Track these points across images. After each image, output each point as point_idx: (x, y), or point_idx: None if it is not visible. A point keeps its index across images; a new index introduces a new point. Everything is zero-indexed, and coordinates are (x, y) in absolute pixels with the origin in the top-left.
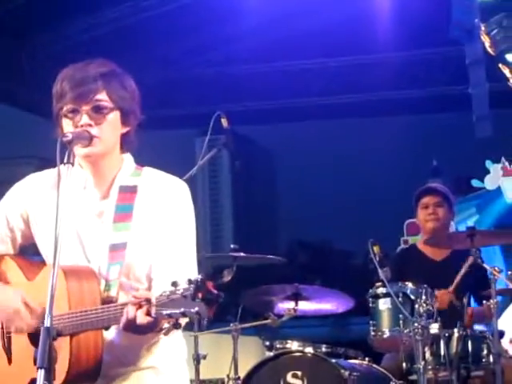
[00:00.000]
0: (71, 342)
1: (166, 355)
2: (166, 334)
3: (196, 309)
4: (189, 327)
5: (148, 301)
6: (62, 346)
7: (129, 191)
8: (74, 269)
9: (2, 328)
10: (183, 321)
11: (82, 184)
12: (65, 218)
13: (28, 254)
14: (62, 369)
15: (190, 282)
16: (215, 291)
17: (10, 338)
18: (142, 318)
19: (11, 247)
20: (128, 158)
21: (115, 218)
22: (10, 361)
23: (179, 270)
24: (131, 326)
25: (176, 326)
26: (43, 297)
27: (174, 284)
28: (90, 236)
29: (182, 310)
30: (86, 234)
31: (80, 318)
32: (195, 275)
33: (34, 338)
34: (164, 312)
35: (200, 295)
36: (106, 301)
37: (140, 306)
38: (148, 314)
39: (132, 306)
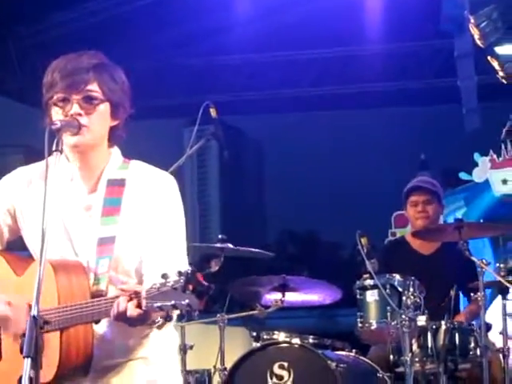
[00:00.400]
0: (61, 337)
1: (157, 346)
2: (159, 328)
3: (187, 301)
4: (179, 318)
5: (137, 293)
6: (52, 341)
7: (117, 185)
8: (63, 263)
9: None
10: (174, 313)
11: (68, 176)
12: (52, 211)
13: (15, 249)
14: (52, 363)
15: (180, 274)
16: (206, 283)
17: None
18: (132, 311)
19: None
20: (115, 151)
21: (103, 211)
22: (0, 356)
23: (169, 263)
24: (122, 318)
25: (167, 318)
26: (32, 292)
27: (164, 276)
28: (77, 230)
29: (173, 302)
30: (73, 228)
31: (70, 312)
32: (185, 267)
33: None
34: (155, 305)
35: (190, 287)
36: (96, 295)
37: (130, 299)
38: (138, 306)
39: (123, 299)
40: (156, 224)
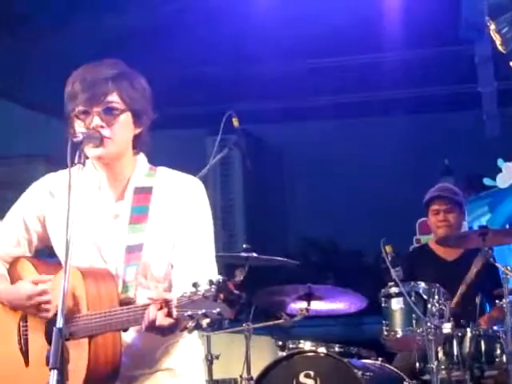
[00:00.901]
0: (90, 345)
1: (183, 356)
2: (190, 332)
3: (218, 310)
4: (209, 327)
5: (167, 302)
6: (81, 349)
7: (144, 192)
8: (92, 270)
9: (19, 330)
10: (205, 322)
11: (96, 185)
12: (79, 220)
13: (44, 255)
14: (80, 371)
15: (211, 282)
16: (237, 292)
17: (27, 340)
18: (162, 320)
19: (27, 249)
20: (142, 158)
21: (131, 219)
22: (26, 363)
23: (199, 270)
24: (153, 328)
25: (197, 326)
26: (57, 299)
27: (195, 285)
28: (105, 238)
29: (204, 310)
30: (101, 236)
31: (99, 320)
32: (215, 275)
33: (51, 338)
34: (185, 313)
35: (222, 296)
36: (124, 302)
37: (161, 308)
38: (169, 315)
39: (153, 307)
40: (185, 230)
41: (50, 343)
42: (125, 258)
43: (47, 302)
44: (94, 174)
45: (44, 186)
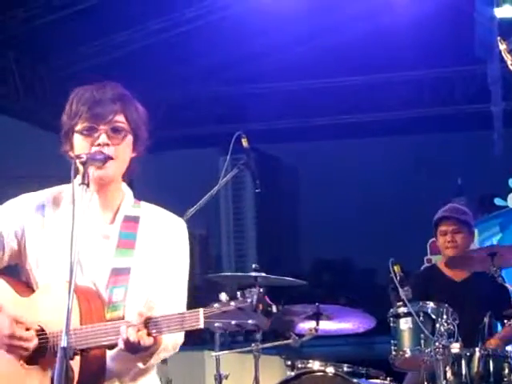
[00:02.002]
0: (81, 360)
1: None
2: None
3: (253, 321)
4: (212, 346)
5: (147, 321)
6: (73, 364)
7: (132, 220)
8: (82, 288)
9: None
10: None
11: (86, 204)
12: (65, 238)
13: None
14: None
15: (243, 295)
16: (272, 303)
17: None
18: (145, 339)
19: None
20: (128, 190)
21: (119, 243)
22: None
23: (171, 302)
24: (131, 347)
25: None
26: (42, 314)
27: (221, 296)
28: (90, 257)
29: (236, 321)
30: (86, 255)
31: (92, 333)
32: (183, 307)
33: (30, 357)
34: (215, 324)
35: (261, 307)
36: (110, 322)
37: (140, 329)
38: (149, 334)
39: (132, 328)
40: (165, 264)
41: (27, 363)
42: (110, 279)
43: (25, 349)
44: (85, 195)
45: (23, 204)
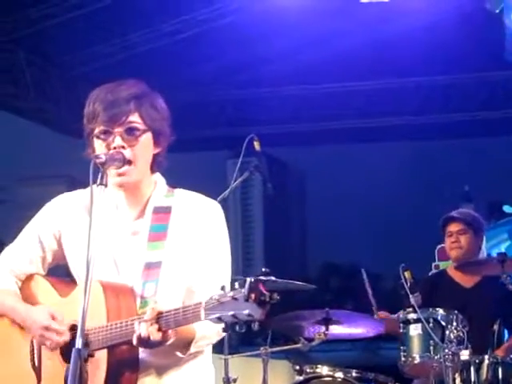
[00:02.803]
0: (108, 358)
1: (194, 378)
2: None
3: (247, 311)
4: (220, 349)
5: (159, 316)
6: (100, 362)
7: (163, 212)
8: (112, 285)
9: (32, 346)
10: (235, 323)
11: (114, 203)
12: (98, 238)
13: (57, 275)
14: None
15: (240, 284)
16: (267, 292)
17: (40, 357)
18: (155, 334)
19: (41, 268)
20: (160, 179)
21: (150, 237)
22: (39, 380)
23: (213, 287)
24: (141, 343)
25: (226, 329)
26: (77, 313)
27: (223, 288)
28: (124, 254)
29: (233, 312)
30: (120, 253)
31: (115, 330)
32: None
33: (66, 354)
34: (213, 316)
35: (253, 296)
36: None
37: (151, 324)
38: (159, 329)
39: (144, 324)
40: (203, 253)
41: (65, 360)
42: (143, 274)
43: (56, 343)
44: (112, 193)
45: (61, 204)
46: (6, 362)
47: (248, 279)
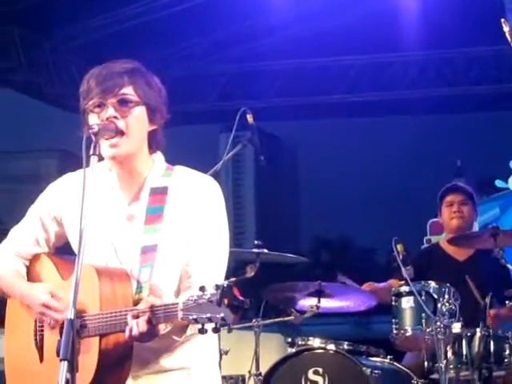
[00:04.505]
0: (100, 343)
1: (199, 355)
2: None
3: (221, 314)
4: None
5: (152, 309)
6: (92, 346)
7: (159, 193)
8: (108, 270)
9: (36, 326)
10: (209, 326)
11: (110, 185)
12: (95, 219)
13: (65, 252)
14: (90, 369)
15: (217, 287)
16: (241, 298)
17: (42, 336)
18: (143, 326)
19: (46, 247)
20: (159, 158)
21: (146, 220)
22: (41, 359)
23: (212, 269)
24: (133, 336)
25: (202, 331)
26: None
27: (202, 289)
28: (121, 239)
29: (209, 315)
30: (117, 237)
31: (108, 319)
32: (222, 280)
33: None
34: (190, 317)
35: (226, 301)
36: (138, 303)
37: (138, 316)
38: (149, 321)
39: (131, 318)
40: (200, 230)
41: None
42: (140, 258)
43: (55, 320)
44: (107, 175)
45: (61, 186)
46: (14, 340)
47: (221, 284)
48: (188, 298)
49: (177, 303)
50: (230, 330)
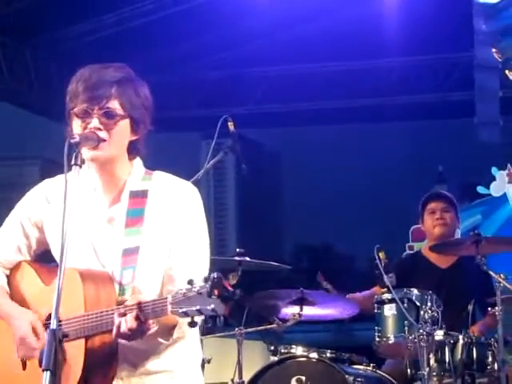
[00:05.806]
0: (86, 345)
1: (182, 359)
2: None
3: (212, 306)
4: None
5: (139, 305)
6: (78, 349)
7: (140, 196)
8: (91, 272)
9: None
10: (199, 319)
11: (92, 186)
12: (76, 223)
13: (44, 261)
14: (76, 371)
15: (205, 279)
16: (231, 288)
17: None
18: (131, 323)
19: (27, 255)
20: (138, 163)
21: (127, 223)
22: (24, 366)
23: (195, 272)
24: (119, 333)
25: (192, 324)
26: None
27: (190, 282)
28: (102, 241)
29: (198, 307)
30: (98, 239)
31: (94, 320)
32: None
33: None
34: (180, 310)
35: (216, 292)
36: (121, 305)
37: (125, 314)
38: (137, 318)
39: (118, 316)
40: (181, 235)
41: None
42: (121, 261)
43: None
44: (89, 176)
45: (41, 192)
46: (1, 347)
47: (211, 275)
48: (177, 291)
49: (165, 298)
50: (226, 322)
